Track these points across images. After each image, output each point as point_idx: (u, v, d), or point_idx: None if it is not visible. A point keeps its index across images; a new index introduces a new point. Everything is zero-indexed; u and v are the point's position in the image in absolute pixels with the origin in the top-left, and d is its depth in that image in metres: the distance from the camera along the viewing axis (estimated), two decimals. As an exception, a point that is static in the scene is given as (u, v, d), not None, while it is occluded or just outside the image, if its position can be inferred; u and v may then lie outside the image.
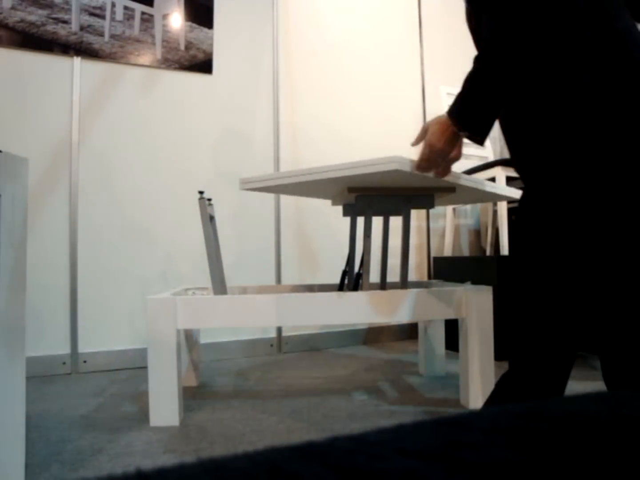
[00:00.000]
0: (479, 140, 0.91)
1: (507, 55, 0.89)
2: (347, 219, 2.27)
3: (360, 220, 1.46)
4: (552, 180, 0.86)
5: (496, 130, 2.83)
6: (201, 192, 1.36)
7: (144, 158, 1.93)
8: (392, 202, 1.37)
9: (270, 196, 2.15)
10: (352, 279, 1.56)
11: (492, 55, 0.91)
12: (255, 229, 2.11)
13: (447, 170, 1.08)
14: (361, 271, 1.48)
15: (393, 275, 2.35)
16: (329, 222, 2.25)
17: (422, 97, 2.55)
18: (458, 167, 2.35)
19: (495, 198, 1.71)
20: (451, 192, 1.37)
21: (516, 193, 1.41)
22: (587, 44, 0.84)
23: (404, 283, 1.40)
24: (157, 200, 1.94)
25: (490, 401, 1.04)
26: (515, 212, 1.00)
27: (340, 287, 1.61)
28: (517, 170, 0.98)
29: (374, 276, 2.27)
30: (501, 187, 1.41)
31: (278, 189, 1.37)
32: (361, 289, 1.38)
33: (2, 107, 1.72)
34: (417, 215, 2.51)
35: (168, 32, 1.97)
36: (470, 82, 0.93)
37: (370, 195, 1.35)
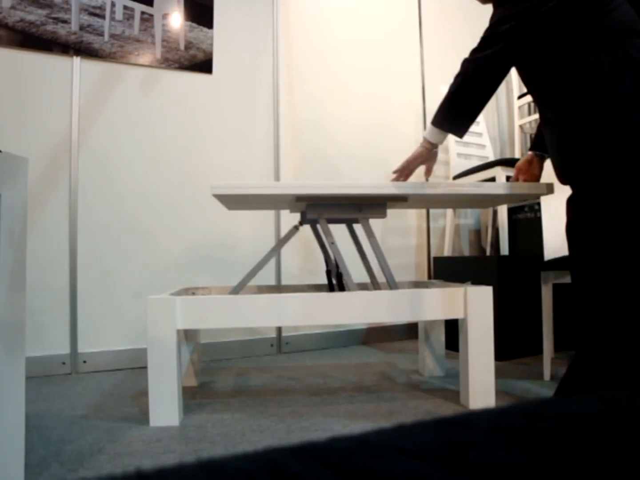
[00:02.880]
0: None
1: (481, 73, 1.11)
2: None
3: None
4: (599, 184, 1.04)
5: (496, 130, 2.83)
6: (298, 225, 1.49)
7: (144, 158, 1.93)
8: (343, 210, 1.38)
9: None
10: (336, 279, 1.57)
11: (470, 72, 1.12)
12: (255, 229, 2.10)
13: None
14: (340, 271, 1.50)
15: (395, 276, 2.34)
16: (329, 222, 2.25)
17: (422, 97, 2.55)
18: (458, 167, 2.36)
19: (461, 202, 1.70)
20: (403, 201, 1.39)
21: (482, 188, 1.31)
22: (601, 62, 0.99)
23: (391, 284, 1.40)
24: (157, 200, 1.94)
25: (562, 390, 1.08)
26: (569, 209, 1.12)
27: (330, 287, 1.62)
28: (564, 179, 1.12)
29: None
30: (460, 185, 1.30)
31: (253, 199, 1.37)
32: (348, 288, 1.39)
33: (2, 107, 1.72)
34: (417, 215, 2.51)
35: (168, 31, 1.97)
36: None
37: (320, 204, 1.37)
